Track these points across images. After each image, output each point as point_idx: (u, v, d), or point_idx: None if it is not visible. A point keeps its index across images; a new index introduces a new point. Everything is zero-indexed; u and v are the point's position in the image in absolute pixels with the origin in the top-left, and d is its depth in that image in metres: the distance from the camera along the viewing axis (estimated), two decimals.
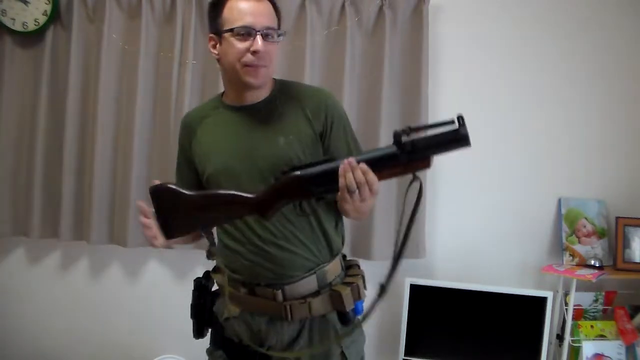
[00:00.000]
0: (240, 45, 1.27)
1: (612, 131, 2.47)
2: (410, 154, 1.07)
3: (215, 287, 1.48)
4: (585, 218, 2.43)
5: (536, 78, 2.44)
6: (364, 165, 1.09)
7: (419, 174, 1.11)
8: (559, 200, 2.46)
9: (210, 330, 1.48)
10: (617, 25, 2.45)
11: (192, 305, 1.46)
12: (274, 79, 1.40)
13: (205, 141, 1.39)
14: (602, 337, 2.34)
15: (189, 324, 2.49)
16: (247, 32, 1.26)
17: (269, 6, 1.31)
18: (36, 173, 2.38)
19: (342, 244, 1.44)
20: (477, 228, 2.45)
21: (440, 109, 2.41)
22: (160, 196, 1.22)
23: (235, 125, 1.35)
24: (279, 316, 1.33)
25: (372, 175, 1.10)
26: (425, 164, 1.09)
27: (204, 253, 2.48)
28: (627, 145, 2.48)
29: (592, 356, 2.31)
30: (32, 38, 2.38)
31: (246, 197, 1.18)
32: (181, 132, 1.48)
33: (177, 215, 1.21)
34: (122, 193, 2.38)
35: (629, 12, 2.45)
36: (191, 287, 2.53)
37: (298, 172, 1.15)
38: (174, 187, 1.23)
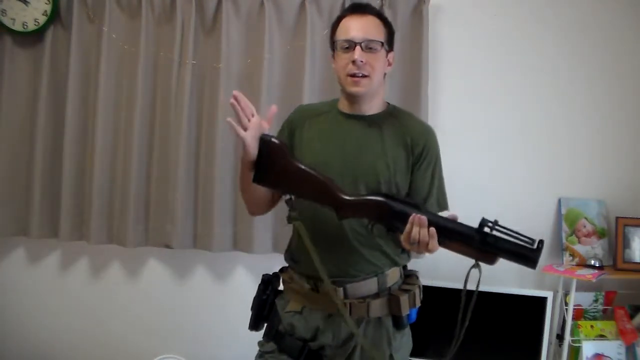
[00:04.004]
0: (344, 57, 1.38)
1: (612, 131, 2.47)
2: (485, 245, 1.15)
3: (280, 287, 1.55)
4: (585, 218, 2.43)
5: (536, 78, 2.44)
6: (433, 230, 1.18)
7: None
8: (559, 200, 2.46)
9: (265, 324, 1.54)
10: (617, 25, 2.45)
11: (255, 297, 1.52)
12: (388, 103, 1.51)
13: (312, 132, 1.47)
14: (602, 337, 2.34)
15: (188, 324, 2.51)
16: (349, 45, 1.37)
17: (374, 21, 1.41)
18: (36, 173, 2.37)
19: (407, 260, 1.51)
20: None
21: (440, 109, 2.41)
22: (269, 146, 1.28)
23: (343, 129, 1.45)
24: (338, 314, 1.39)
25: (435, 242, 1.19)
26: (491, 259, 1.17)
27: (204, 253, 2.50)
28: (627, 145, 2.48)
29: (592, 356, 2.31)
30: (32, 38, 2.38)
31: (337, 194, 1.28)
32: (289, 119, 1.54)
33: (274, 170, 1.30)
34: (122, 193, 2.37)
35: (629, 12, 2.45)
36: (191, 287, 2.55)
37: (388, 201, 1.24)
38: (286, 148, 1.31)
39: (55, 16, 2.36)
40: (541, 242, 1.16)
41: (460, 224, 1.21)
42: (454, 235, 1.18)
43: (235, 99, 1.27)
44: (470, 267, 1.22)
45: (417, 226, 1.18)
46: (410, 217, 1.19)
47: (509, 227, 1.16)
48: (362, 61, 1.36)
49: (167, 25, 2.38)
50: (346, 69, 1.38)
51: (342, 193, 1.29)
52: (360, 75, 1.37)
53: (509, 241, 1.17)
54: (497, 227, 1.17)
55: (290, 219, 1.36)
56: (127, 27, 2.38)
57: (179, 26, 2.34)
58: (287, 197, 1.36)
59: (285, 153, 1.30)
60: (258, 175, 1.30)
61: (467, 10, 2.43)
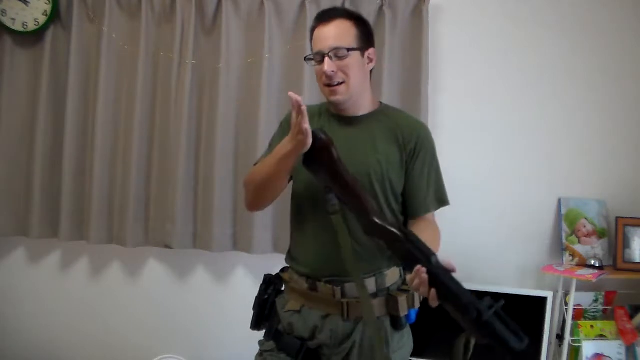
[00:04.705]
0: (318, 69, 1.40)
1: (612, 131, 2.47)
2: (479, 322, 1.11)
3: (282, 288, 1.55)
4: (585, 218, 2.43)
5: (536, 78, 2.44)
6: (433, 292, 1.15)
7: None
8: (559, 200, 2.46)
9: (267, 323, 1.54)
10: (617, 25, 2.45)
11: (256, 297, 1.53)
12: (380, 102, 1.52)
13: None
14: (602, 337, 2.34)
15: (189, 324, 2.52)
16: (320, 58, 1.39)
17: (341, 24, 1.40)
18: (36, 173, 2.37)
19: None
20: (477, 228, 2.45)
21: (440, 109, 2.41)
22: (319, 142, 1.30)
23: (336, 131, 1.44)
24: (336, 313, 1.40)
25: (434, 301, 1.15)
26: (480, 337, 1.13)
27: (204, 253, 2.49)
28: (627, 145, 2.48)
29: (592, 356, 2.31)
30: (32, 38, 2.38)
31: (368, 213, 1.28)
32: (287, 118, 1.51)
33: (319, 164, 1.32)
34: (122, 193, 2.38)
35: (630, 12, 2.45)
36: (191, 287, 2.55)
37: (403, 239, 1.22)
38: (332, 145, 1.31)
39: (55, 16, 2.36)
40: (529, 342, 1.13)
41: (464, 291, 1.15)
42: (454, 301, 1.14)
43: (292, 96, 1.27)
44: (461, 337, 1.18)
45: (419, 280, 1.16)
46: (416, 268, 1.16)
47: (507, 317, 1.14)
48: (333, 71, 1.36)
49: (167, 25, 2.38)
50: (322, 80, 1.40)
51: (373, 213, 1.28)
52: (336, 83, 1.38)
53: (503, 328, 1.14)
54: (498, 311, 1.11)
55: (330, 212, 1.34)
56: (127, 27, 2.38)
57: (179, 26, 2.34)
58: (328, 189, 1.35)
59: (331, 151, 1.31)
60: (307, 162, 1.35)
61: (467, 10, 2.43)
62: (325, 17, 1.42)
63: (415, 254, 1.19)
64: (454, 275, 1.18)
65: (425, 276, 1.15)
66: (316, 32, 1.42)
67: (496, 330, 1.11)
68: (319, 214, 1.40)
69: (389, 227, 1.24)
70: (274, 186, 1.44)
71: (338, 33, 1.39)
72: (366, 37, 1.43)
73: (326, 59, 1.37)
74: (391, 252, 1.26)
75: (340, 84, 1.38)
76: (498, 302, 1.12)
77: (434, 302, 1.15)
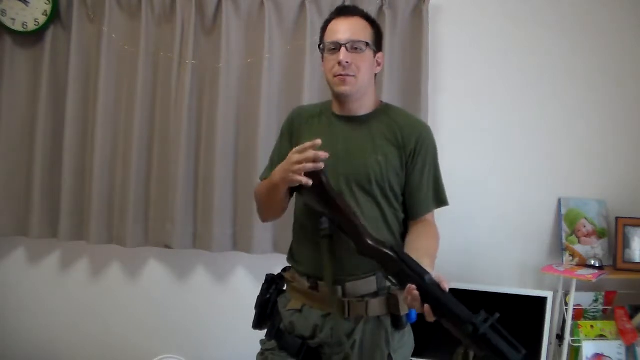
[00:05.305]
0: (331, 58, 1.42)
1: (612, 131, 2.47)
2: (475, 336, 1.12)
3: (284, 287, 1.56)
4: (585, 218, 2.43)
5: (536, 78, 2.44)
6: (427, 308, 1.16)
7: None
8: (559, 200, 2.46)
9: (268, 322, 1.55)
10: (618, 25, 2.45)
11: (258, 297, 1.54)
12: (381, 101, 1.54)
13: (308, 136, 1.46)
14: (602, 337, 2.34)
15: (189, 324, 2.52)
16: (335, 47, 1.41)
17: (359, 22, 1.43)
18: (36, 173, 2.37)
19: None
20: (477, 228, 2.45)
21: (440, 109, 2.41)
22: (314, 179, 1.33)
23: (334, 130, 1.46)
24: (337, 312, 1.40)
25: (429, 316, 1.16)
26: (478, 350, 1.13)
27: (204, 253, 2.49)
28: (627, 146, 2.48)
29: (592, 356, 2.31)
30: (32, 38, 2.38)
31: (362, 237, 1.30)
32: (288, 121, 1.58)
33: (307, 192, 1.37)
34: (122, 193, 2.38)
35: (630, 12, 2.45)
36: (191, 287, 2.55)
37: (395, 258, 1.24)
38: (325, 178, 1.34)
39: (55, 16, 2.36)
40: (526, 355, 1.13)
41: (459, 306, 1.16)
42: (450, 317, 1.15)
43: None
44: (459, 349, 1.18)
45: (411, 297, 1.17)
46: (407, 287, 1.18)
47: (502, 328, 1.14)
48: (347, 62, 1.38)
49: (167, 25, 2.38)
50: (333, 69, 1.41)
51: (366, 235, 1.30)
52: (347, 75, 1.40)
53: (500, 340, 1.14)
54: (494, 324, 1.13)
55: (320, 235, 1.36)
56: (127, 27, 2.38)
57: (179, 26, 2.34)
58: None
59: (321, 178, 1.34)
60: (298, 189, 1.38)
61: (467, 10, 2.43)
62: (345, 11, 1.46)
63: (408, 273, 1.20)
64: (446, 291, 1.18)
65: (416, 293, 1.16)
66: (333, 23, 1.44)
67: (493, 343, 1.11)
68: (318, 219, 1.40)
69: (382, 249, 1.26)
70: (275, 206, 1.49)
71: (356, 29, 1.42)
72: (378, 41, 1.47)
73: (342, 48, 1.39)
74: (384, 271, 1.27)
75: (349, 76, 1.40)
76: (493, 316, 1.13)
77: (430, 318, 1.16)
